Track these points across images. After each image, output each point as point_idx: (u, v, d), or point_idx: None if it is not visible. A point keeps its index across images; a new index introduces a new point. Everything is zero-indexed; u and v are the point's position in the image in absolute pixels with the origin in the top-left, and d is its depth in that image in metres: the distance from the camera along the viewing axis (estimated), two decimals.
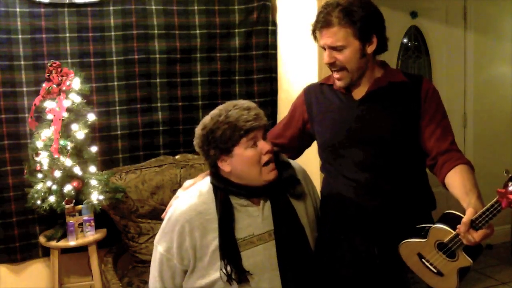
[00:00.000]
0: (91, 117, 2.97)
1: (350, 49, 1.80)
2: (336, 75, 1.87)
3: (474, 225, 1.54)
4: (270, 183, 1.76)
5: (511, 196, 1.46)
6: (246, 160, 1.72)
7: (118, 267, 3.03)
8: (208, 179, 1.85)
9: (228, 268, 1.69)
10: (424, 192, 1.92)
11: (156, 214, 2.96)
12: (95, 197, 2.87)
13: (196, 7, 3.34)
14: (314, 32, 1.86)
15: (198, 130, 1.79)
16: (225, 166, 1.75)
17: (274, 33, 3.47)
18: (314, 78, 2.87)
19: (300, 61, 3.19)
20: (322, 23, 1.81)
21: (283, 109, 3.45)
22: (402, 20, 4.09)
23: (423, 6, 4.15)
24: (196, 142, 1.81)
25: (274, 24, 3.47)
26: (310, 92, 2.04)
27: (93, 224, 2.92)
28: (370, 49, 1.82)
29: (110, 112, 3.24)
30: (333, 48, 1.81)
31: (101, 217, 3.01)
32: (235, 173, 1.75)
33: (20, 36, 3.03)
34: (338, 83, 1.88)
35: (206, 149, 1.76)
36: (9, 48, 3.02)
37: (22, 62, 3.05)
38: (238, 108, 1.73)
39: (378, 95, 1.86)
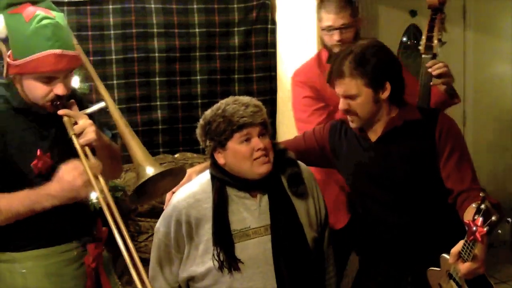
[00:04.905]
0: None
1: (363, 97, 1.82)
2: (349, 117, 1.90)
3: (461, 256, 1.55)
4: (264, 176, 1.77)
5: (474, 228, 1.45)
6: (237, 155, 1.75)
7: (117, 265, 3.03)
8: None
9: (221, 256, 1.71)
10: (455, 223, 1.84)
11: (156, 213, 2.96)
12: (94, 195, 2.86)
13: (195, 6, 3.34)
14: (328, 79, 1.89)
15: (200, 120, 1.84)
16: (220, 158, 1.79)
17: (274, 31, 3.47)
18: None
19: (299, 60, 3.18)
20: (335, 74, 1.84)
21: (282, 108, 3.44)
22: (402, 18, 4.08)
23: (423, 4, 4.12)
24: (197, 131, 1.85)
25: (274, 22, 3.47)
26: (335, 134, 2.06)
27: None
28: (384, 95, 1.83)
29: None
30: (346, 97, 1.84)
31: (100, 216, 3.01)
32: (228, 166, 1.78)
33: None
34: (351, 125, 1.92)
35: (204, 139, 1.81)
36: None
37: None
38: (237, 104, 1.76)
39: (393, 135, 1.87)
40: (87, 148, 1.69)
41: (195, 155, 3.26)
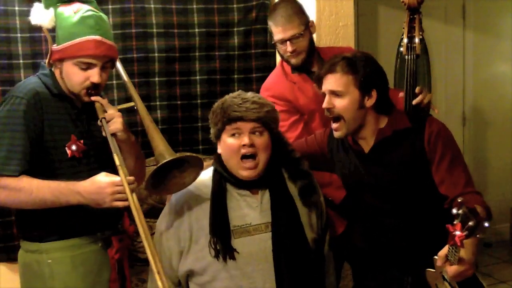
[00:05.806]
0: None
1: (349, 97, 1.84)
2: (333, 125, 1.91)
3: (448, 259, 1.58)
4: (258, 177, 1.81)
5: (453, 233, 1.48)
6: (226, 147, 1.79)
7: None
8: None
9: (218, 245, 1.74)
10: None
11: (155, 213, 2.96)
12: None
13: (195, 6, 3.34)
14: (317, 78, 1.91)
15: None
16: (218, 146, 1.85)
17: None
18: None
19: None
20: (326, 70, 1.88)
21: None
22: (402, 18, 4.09)
23: (422, 4, 4.15)
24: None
25: None
26: (333, 142, 2.08)
27: None
28: (368, 102, 1.86)
29: None
30: (332, 93, 1.85)
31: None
32: (223, 157, 1.83)
33: (19, 35, 3.02)
34: (335, 134, 1.92)
35: (211, 127, 1.87)
36: (8, 46, 3.01)
37: (21, 61, 3.05)
38: (237, 98, 1.81)
39: (384, 147, 1.89)
40: (115, 141, 1.80)
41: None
